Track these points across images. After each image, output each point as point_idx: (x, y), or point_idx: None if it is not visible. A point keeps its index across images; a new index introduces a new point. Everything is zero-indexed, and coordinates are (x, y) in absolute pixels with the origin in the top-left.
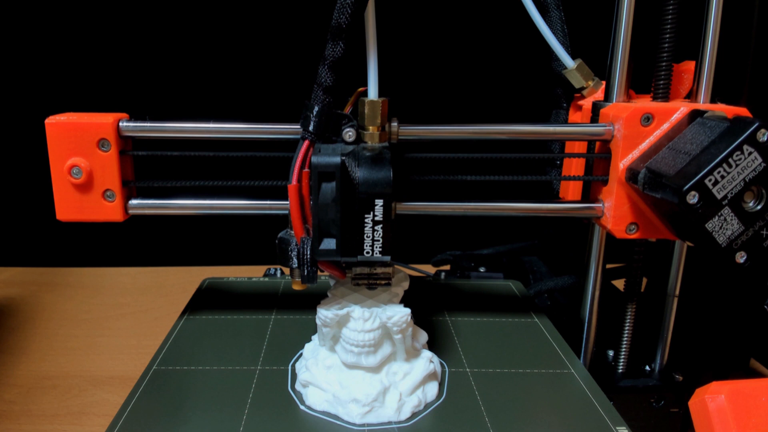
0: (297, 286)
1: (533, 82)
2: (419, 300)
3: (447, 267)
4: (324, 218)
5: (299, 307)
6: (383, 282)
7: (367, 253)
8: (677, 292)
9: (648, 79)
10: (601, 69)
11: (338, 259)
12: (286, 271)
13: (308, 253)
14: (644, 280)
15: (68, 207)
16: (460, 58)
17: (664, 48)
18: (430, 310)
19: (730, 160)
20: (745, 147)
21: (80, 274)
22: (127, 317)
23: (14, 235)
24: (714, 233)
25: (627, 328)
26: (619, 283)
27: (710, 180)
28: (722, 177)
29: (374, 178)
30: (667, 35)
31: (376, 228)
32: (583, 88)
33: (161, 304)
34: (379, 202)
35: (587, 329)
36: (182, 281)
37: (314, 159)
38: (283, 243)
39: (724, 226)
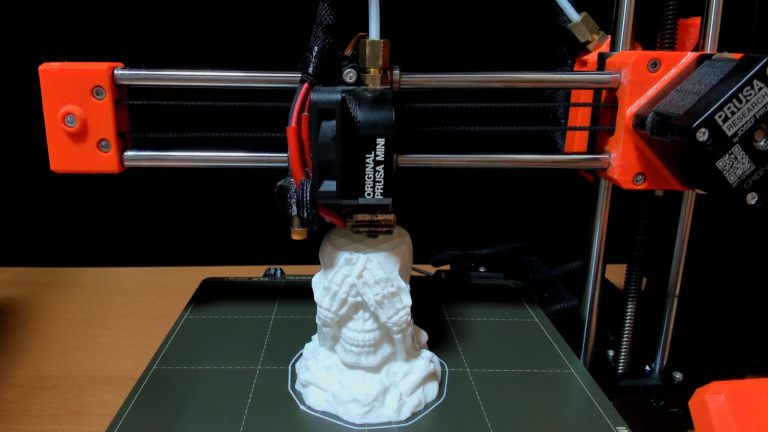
0: (297, 236)
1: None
2: (419, 300)
3: (447, 267)
4: (324, 159)
5: (299, 307)
6: (384, 230)
7: (368, 195)
8: (677, 292)
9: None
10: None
11: (338, 201)
12: (287, 270)
13: (308, 195)
14: (644, 280)
15: (62, 157)
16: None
17: None
18: (430, 310)
19: (740, 95)
20: (755, 82)
21: (80, 274)
22: (127, 317)
23: (14, 235)
24: (725, 172)
25: (627, 327)
26: (619, 283)
27: (720, 116)
28: (732, 113)
29: (375, 117)
30: None
31: (377, 169)
32: (588, 42)
33: (161, 304)
34: (381, 141)
35: (587, 329)
36: (182, 281)
37: (314, 96)
38: (283, 190)
39: (735, 165)
